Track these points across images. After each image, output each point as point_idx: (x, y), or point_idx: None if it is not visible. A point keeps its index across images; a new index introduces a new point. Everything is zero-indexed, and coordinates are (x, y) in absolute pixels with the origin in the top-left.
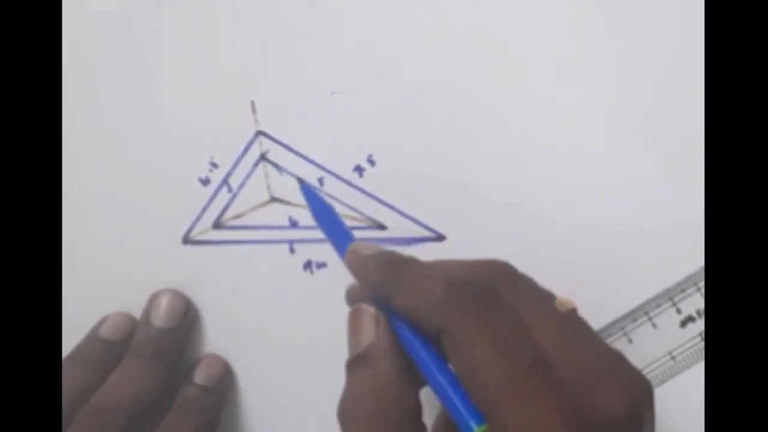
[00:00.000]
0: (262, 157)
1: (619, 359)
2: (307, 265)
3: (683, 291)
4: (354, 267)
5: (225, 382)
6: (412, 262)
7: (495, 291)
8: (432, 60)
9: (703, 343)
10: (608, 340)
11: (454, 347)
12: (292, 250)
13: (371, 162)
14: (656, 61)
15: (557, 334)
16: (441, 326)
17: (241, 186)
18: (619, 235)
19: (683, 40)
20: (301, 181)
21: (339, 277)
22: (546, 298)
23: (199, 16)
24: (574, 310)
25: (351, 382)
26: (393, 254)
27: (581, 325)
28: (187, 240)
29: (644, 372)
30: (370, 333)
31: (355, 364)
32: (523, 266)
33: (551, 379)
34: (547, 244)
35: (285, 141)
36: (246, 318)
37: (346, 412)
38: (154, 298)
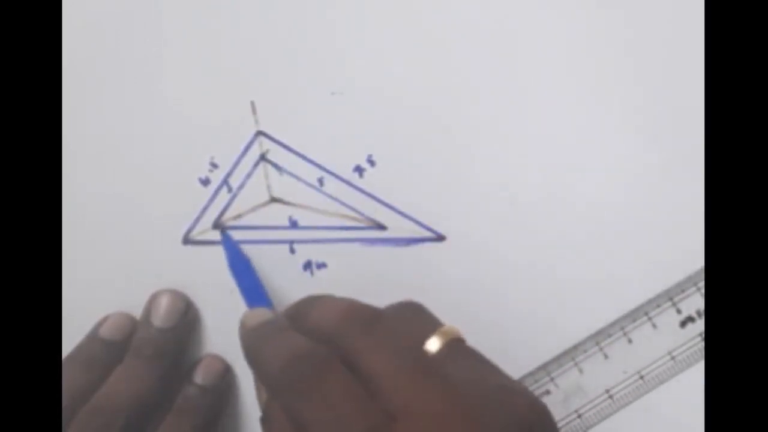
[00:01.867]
0: (262, 158)
1: (495, 395)
2: (307, 266)
3: (683, 291)
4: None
5: (225, 382)
6: (270, 330)
7: (328, 362)
8: (432, 60)
9: (702, 344)
10: (608, 340)
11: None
12: (292, 250)
13: (371, 162)
14: (656, 61)
15: (409, 386)
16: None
17: (241, 186)
18: (619, 235)
19: (683, 40)
20: (223, 231)
21: (339, 277)
22: (410, 343)
23: (199, 16)
24: (458, 341)
25: None
26: (257, 329)
27: (453, 363)
28: (187, 240)
29: (644, 372)
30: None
31: (262, 422)
32: (522, 266)
33: None
34: (547, 244)
35: (285, 141)
36: None
37: None
38: (154, 298)
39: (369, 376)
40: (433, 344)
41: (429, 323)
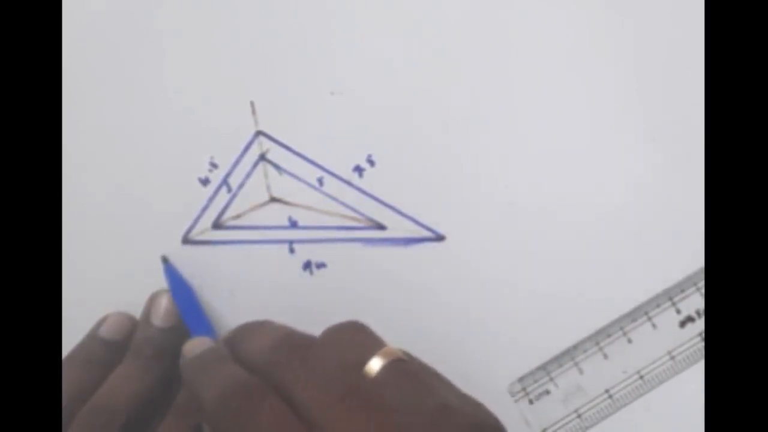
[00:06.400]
0: (262, 157)
1: (432, 417)
2: (307, 265)
3: (683, 291)
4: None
5: None
6: (208, 360)
7: (261, 394)
8: (432, 60)
9: (702, 343)
10: (608, 340)
11: None
12: (291, 250)
13: (371, 162)
14: (656, 61)
15: (340, 416)
16: None
17: (241, 186)
18: (618, 235)
19: (683, 40)
20: (165, 260)
21: (339, 277)
22: (346, 368)
23: (199, 16)
24: (399, 361)
25: None
26: (196, 359)
27: (391, 386)
28: (186, 240)
29: (644, 372)
30: None
31: None
32: (522, 266)
33: None
34: (547, 244)
35: (285, 141)
36: (246, 318)
37: None
38: (154, 298)
39: (302, 407)
40: (373, 366)
41: (369, 344)
